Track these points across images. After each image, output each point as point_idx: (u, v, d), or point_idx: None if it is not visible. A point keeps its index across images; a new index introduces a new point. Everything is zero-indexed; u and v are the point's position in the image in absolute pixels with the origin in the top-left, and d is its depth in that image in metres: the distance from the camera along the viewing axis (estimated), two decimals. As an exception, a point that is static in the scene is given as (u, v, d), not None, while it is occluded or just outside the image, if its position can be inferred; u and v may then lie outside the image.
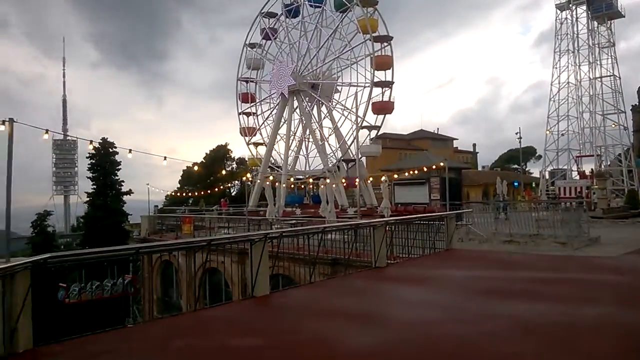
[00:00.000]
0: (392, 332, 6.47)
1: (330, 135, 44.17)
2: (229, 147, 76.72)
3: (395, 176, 31.70)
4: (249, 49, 49.15)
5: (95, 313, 29.16)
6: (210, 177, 75.21)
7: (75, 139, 77.95)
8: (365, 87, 39.75)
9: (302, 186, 46.09)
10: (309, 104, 44.78)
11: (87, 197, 44.57)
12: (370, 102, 39.52)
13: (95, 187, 43.64)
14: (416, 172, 31.95)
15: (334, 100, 43.68)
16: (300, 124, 46.46)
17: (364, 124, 39.93)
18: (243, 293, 22.99)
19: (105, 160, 43.75)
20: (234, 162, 77.98)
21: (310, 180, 44.49)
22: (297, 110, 45.82)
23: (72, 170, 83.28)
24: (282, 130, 47.13)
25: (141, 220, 32.00)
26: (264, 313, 8.18)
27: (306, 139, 46.81)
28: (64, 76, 68.28)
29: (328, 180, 33.60)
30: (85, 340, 6.62)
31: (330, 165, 42.53)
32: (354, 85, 40.65)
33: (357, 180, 26.60)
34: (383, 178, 26.68)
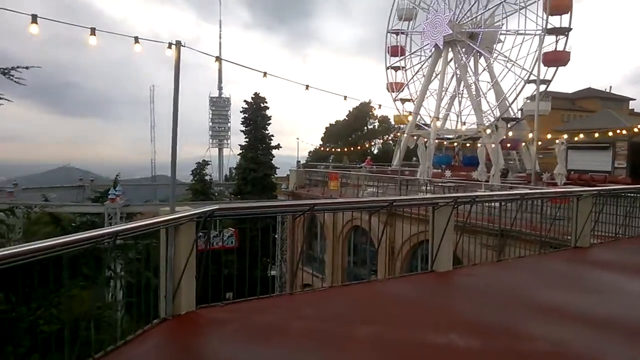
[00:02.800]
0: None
1: (488, 90, 40.09)
2: (372, 104, 75.24)
3: (578, 137, 27.25)
4: (400, -2, 46.21)
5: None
6: (352, 134, 74.93)
7: (229, 97, 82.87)
8: (535, 34, 34.78)
9: (454, 146, 42.85)
10: (466, 55, 40.90)
11: (240, 149, 46.58)
12: (542, 52, 34.51)
13: (247, 140, 45.34)
14: (596, 135, 27.20)
15: (495, 51, 39.27)
16: (454, 78, 42.87)
17: (530, 77, 35.19)
18: (391, 255, 21.81)
19: (257, 114, 45.06)
20: (377, 120, 76.41)
21: (461, 140, 41.21)
22: (451, 63, 42.29)
23: (225, 125, 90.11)
24: (433, 86, 44.11)
25: (290, 174, 32.22)
26: (453, 293, 6.58)
27: (459, 95, 43.18)
28: (219, 37, 72.23)
29: (489, 140, 30.36)
30: (248, 306, 5.62)
31: (487, 123, 38.70)
32: (522, 34, 35.91)
33: (527, 142, 23.18)
34: (558, 140, 22.88)
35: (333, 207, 5.83)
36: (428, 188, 23.48)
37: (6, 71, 5.90)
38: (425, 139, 30.78)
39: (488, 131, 36.97)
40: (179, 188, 66.12)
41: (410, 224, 19.57)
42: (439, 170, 35.67)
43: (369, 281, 7.45)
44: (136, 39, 5.68)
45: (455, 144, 42.49)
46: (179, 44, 4.95)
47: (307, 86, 7.86)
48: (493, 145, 35.64)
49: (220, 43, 72.28)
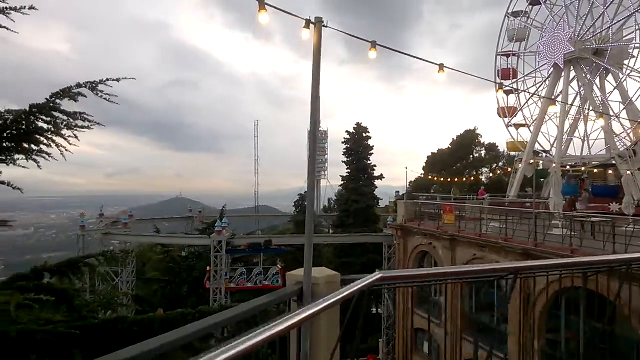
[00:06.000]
0: None
1: (621, 111, 35.60)
2: (477, 131, 71.34)
3: None
4: (511, 18, 43.31)
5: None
6: (457, 163, 71.28)
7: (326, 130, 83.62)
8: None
9: (581, 174, 38.43)
10: (591, 74, 36.93)
11: (342, 180, 45.74)
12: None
13: (349, 170, 44.44)
14: None
15: (626, 67, 35.00)
16: (578, 99, 38.84)
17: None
18: (525, 302, 18.98)
19: (359, 144, 44.16)
20: (484, 148, 72.15)
21: (588, 167, 36.82)
22: (574, 83, 38.46)
23: (323, 157, 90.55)
24: (551, 108, 40.27)
25: (398, 206, 30.42)
26: None
27: (585, 117, 38.96)
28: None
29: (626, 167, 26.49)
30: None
31: (621, 148, 34.21)
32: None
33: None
34: None
35: (545, 269, 4.06)
36: (565, 223, 20.46)
37: (94, 85, 5.14)
38: (554, 165, 27.53)
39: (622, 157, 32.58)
40: (280, 219, 66.87)
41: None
42: (564, 202, 31.88)
43: None
44: (262, 4, 4.66)
45: (582, 171, 38.09)
46: (319, 22, 3.79)
47: (441, 65, 6.40)
48: (628, 172, 31.34)
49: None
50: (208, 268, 32.09)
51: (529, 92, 42.04)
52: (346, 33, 4.50)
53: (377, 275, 3.24)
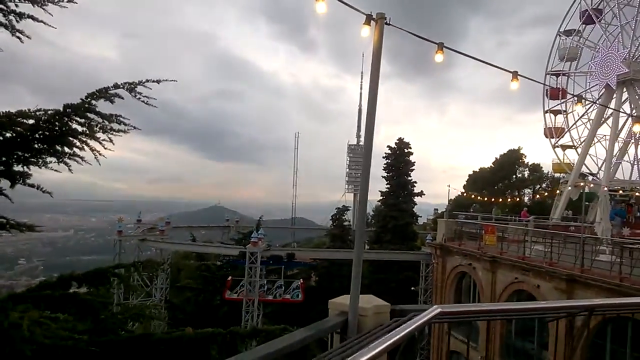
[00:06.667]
0: None
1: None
2: (521, 151, 69.50)
3: None
4: (563, 37, 42.15)
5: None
6: (499, 183, 69.55)
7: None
8: None
9: (628, 199, 36.75)
10: (644, 96, 35.47)
11: (381, 195, 45.25)
12: None
13: (388, 186, 43.95)
14: None
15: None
16: (629, 122, 37.33)
17: None
18: (569, 327, 18.07)
19: (400, 160, 43.69)
20: (527, 168, 70.15)
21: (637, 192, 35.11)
22: (625, 105, 37.00)
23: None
24: (601, 130, 38.90)
25: (438, 225, 29.76)
26: None
27: (636, 140, 37.37)
28: (360, 88, 72.74)
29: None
30: None
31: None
32: None
33: None
34: None
35: (621, 308, 3.70)
36: (613, 249, 19.46)
37: (132, 87, 4.93)
38: (605, 189, 26.40)
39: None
40: (316, 232, 66.68)
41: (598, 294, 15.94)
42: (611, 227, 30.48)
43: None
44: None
45: (630, 196, 36.38)
46: (381, 18, 3.61)
47: (515, 73, 6.05)
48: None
49: (360, 94, 72.97)
50: (229, 278, 32.19)
51: (575, 114, 40.72)
52: (411, 33, 4.22)
53: (436, 309, 2.90)
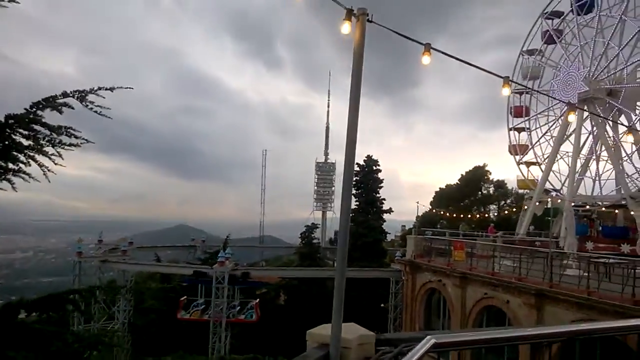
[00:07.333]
0: None
1: (633, 152, 35.10)
2: (486, 168, 70.83)
3: None
4: (525, 56, 43.34)
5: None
6: (465, 199, 70.54)
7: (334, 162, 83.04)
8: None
9: (590, 214, 37.68)
10: (603, 114, 36.56)
11: (350, 213, 45.04)
12: None
13: (357, 203, 43.82)
14: None
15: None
16: (590, 139, 38.44)
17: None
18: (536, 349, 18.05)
19: (368, 177, 43.71)
20: (492, 185, 71.48)
21: (597, 208, 36.11)
22: (586, 122, 38.15)
23: (330, 189, 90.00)
24: (564, 147, 39.93)
25: (407, 241, 29.65)
26: None
27: (596, 157, 38.46)
28: (328, 106, 73.01)
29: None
30: None
31: (633, 189, 33.60)
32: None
33: None
34: None
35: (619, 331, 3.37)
36: (580, 264, 19.64)
37: (83, 95, 4.47)
38: (571, 204, 26.88)
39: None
40: (285, 250, 65.86)
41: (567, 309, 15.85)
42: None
43: None
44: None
45: (592, 211, 37.33)
46: (363, 14, 3.29)
47: (507, 78, 5.80)
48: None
49: (328, 112, 73.23)
50: (182, 298, 31.31)
51: (537, 132, 41.74)
52: (395, 32, 3.90)
53: (430, 341, 2.46)
